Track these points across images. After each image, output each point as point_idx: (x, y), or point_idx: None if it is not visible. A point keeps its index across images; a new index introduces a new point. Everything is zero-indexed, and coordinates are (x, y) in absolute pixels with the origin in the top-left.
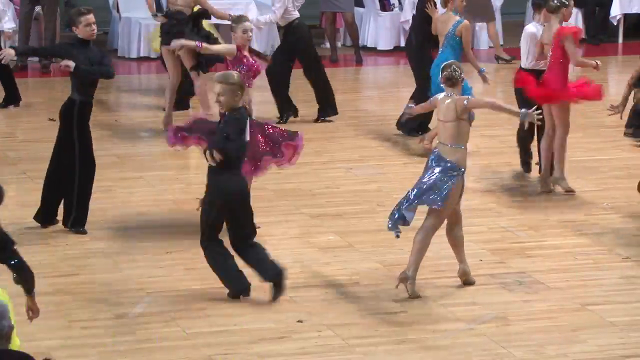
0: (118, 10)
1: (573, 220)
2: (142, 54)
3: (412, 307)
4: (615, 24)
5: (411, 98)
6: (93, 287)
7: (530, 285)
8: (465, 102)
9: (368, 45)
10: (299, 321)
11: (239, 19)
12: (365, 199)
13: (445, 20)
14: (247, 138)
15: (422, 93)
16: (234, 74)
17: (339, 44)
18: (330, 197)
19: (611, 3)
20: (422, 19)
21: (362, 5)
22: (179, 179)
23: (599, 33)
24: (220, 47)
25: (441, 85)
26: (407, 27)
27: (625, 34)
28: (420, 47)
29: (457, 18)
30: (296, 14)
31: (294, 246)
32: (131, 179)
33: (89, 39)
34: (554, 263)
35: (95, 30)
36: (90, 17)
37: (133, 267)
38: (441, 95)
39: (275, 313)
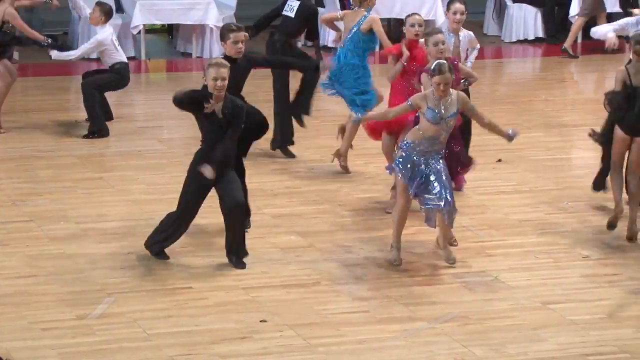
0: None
1: (533, 219)
2: None
3: (374, 307)
4: (574, 23)
5: None
6: (53, 288)
7: (490, 284)
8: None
9: (329, 45)
10: (262, 321)
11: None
12: (326, 198)
13: (353, 16)
14: None
15: None
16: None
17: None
18: (291, 197)
19: (570, 3)
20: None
21: (322, 5)
22: (139, 180)
23: (558, 32)
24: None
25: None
26: None
27: (584, 34)
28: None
29: (365, 13)
30: (119, 57)
31: (256, 246)
32: (91, 179)
33: (235, 56)
34: (515, 262)
35: (243, 49)
36: (240, 35)
37: (93, 267)
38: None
39: (237, 313)
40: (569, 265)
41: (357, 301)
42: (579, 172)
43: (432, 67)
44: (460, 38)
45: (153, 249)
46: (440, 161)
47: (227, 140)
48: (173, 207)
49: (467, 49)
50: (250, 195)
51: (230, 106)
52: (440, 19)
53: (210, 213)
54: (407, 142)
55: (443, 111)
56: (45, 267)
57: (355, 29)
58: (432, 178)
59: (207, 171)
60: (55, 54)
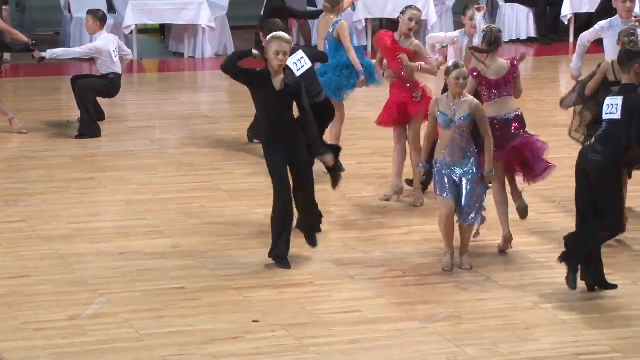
0: (70, 11)
1: (527, 219)
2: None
3: (366, 307)
4: (566, 23)
5: None
6: (45, 288)
7: (483, 284)
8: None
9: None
10: (255, 321)
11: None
12: (319, 199)
13: (325, 22)
14: None
15: None
16: None
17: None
18: None
19: (562, 3)
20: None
21: (314, 6)
22: (131, 180)
23: (550, 32)
24: None
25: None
26: (360, 27)
27: (576, 34)
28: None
29: (335, 19)
30: (114, 68)
31: (249, 246)
32: (83, 179)
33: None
34: (507, 262)
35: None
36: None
37: (86, 268)
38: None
39: (230, 314)
40: (561, 265)
41: (350, 301)
42: (571, 172)
43: (448, 66)
44: (475, 41)
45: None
46: (470, 164)
47: (307, 116)
48: (165, 207)
49: None
50: (243, 195)
51: (290, 77)
52: (432, 19)
53: (204, 213)
54: (435, 161)
55: (453, 113)
56: (38, 267)
57: (330, 37)
58: (463, 182)
59: (328, 158)
60: (48, 53)
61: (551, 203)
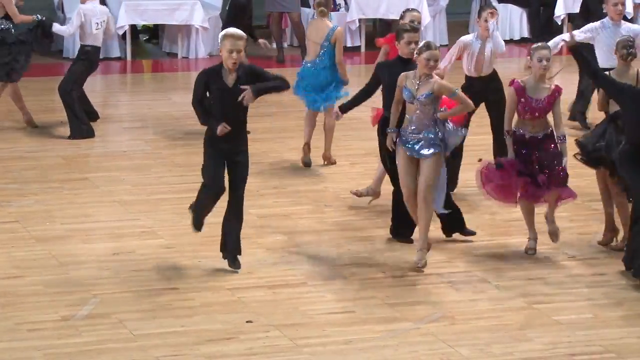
0: (63, 11)
1: (519, 219)
2: None
3: (360, 307)
4: (559, 23)
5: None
6: (39, 289)
7: (476, 284)
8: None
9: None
10: (248, 321)
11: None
12: (312, 199)
13: (319, 26)
14: None
15: None
16: None
17: (285, 44)
18: (277, 198)
19: (555, 3)
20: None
21: (308, 6)
22: (125, 180)
23: (544, 33)
24: None
25: None
26: (354, 27)
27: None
28: None
29: (332, 25)
30: (91, 41)
31: (242, 247)
32: (77, 180)
33: (408, 57)
34: (501, 262)
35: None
36: (415, 36)
37: (79, 268)
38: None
39: (223, 314)
40: (554, 266)
41: (343, 302)
42: None
43: (420, 45)
44: (488, 46)
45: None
46: (432, 137)
47: (277, 77)
48: (158, 208)
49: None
50: None
51: (244, 72)
52: (426, 20)
53: None
54: (400, 131)
55: (416, 90)
56: (31, 268)
57: (326, 43)
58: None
59: (248, 94)
60: (56, 27)
61: (546, 204)
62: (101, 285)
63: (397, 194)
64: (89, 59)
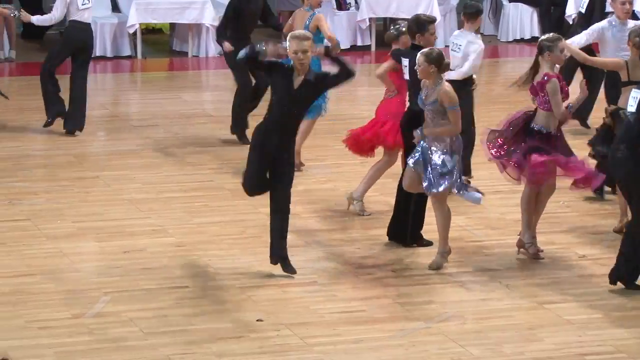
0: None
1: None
2: (98, 54)
3: (370, 306)
4: (570, 22)
5: None
6: (50, 287)
7: (487, 283)
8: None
9: (324, 44)
10: (258, 320)
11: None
12: (321, 198)
13: (302, 16)
14: None
15: None
16: None
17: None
18: None
19: (566, 2)
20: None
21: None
22: (135, 179)
23: (555, 32)
24: None
25: None
26: (364, 26)
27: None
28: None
29: (310, 12)
30: (76, 17)
31: (252, 245)
32: (88, 178)
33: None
34: (511, 262)
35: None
36: (433, 27)
37: (90, 266)
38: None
39: (233, 312)
40: (565, 265)
41: (354, 301)
42: None
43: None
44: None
45: None
46: (438, 154)
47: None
48: (169, 206)
49: None
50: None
51: (313, 79)
52: (437, 19)
53: (208, 212)
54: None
55: (424, 97)
56: (42, 266)
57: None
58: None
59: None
60: (36, 18)
61: (556, 203)
62: (112, 283)
63: (400, 195)
64: (67, 35)
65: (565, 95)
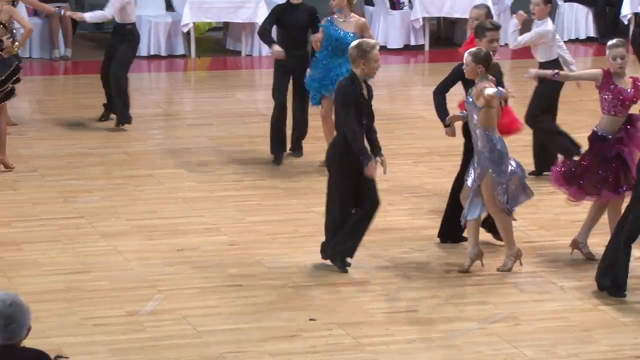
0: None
1: (584, 219)
2: (152, 52)
3: (423, 306)
4: (625, 23)
5: None
6: (104, 284)
7: (541, 284)
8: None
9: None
10: (311, 319)
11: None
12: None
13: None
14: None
15: None
16: None
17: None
18: None
19: (622, 2)
20: None
21: (372, 4)
22: (189, 177)
23: (610, 32)
24: None
25: None
26: (417, 25)
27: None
28: None
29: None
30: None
31: (305, 245)
32: (141, 176)
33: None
34: (565, 263)
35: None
36: (497, 34)
37: (144, 264)
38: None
39: (286, 311)
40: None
41: (406, 301)
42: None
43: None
44: None
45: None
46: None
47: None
48: (222, 205)
49: None
50: (299, 193)
51: (368, 85)
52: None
53: (261, 211)
54: None
55: (472, 98)
56: (96, 263)
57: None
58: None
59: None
60: (89, 15)
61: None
62: (165, 281)
63: (453, 196)
64: (133, 37)
65: None
